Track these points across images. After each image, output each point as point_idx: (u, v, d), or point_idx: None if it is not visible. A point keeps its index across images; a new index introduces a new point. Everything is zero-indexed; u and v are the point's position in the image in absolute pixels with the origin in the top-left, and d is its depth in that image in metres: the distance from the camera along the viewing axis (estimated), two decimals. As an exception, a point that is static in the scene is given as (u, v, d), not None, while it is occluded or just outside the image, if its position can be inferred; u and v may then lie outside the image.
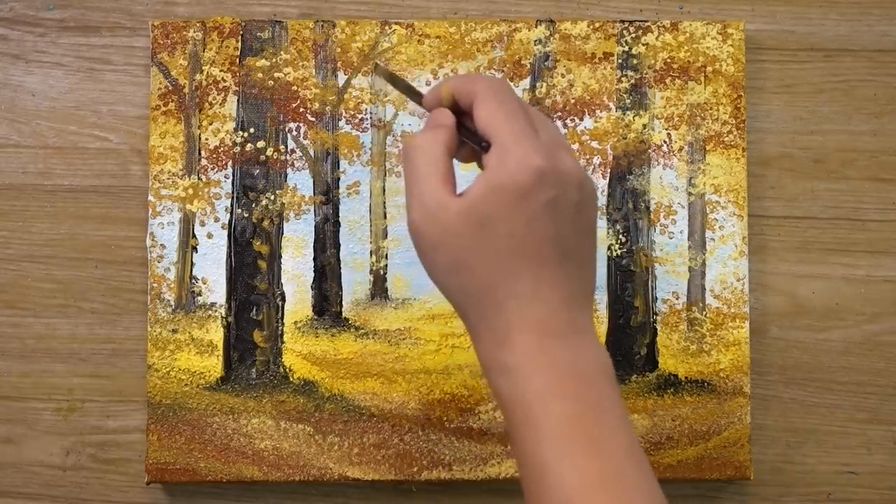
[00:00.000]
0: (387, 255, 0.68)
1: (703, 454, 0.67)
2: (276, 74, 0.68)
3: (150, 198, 0.67)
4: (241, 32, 0.68)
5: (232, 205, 0.68)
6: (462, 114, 0.51)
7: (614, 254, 0.68)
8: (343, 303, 0.67)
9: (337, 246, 0.68)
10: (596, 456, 0.44)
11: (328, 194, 0.68)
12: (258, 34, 0.68)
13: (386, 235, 0.68)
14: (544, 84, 0.68)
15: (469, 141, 0.50)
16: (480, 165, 0.50)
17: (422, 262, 0.49)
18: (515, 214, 0.46)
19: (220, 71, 0.68)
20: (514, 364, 0.46)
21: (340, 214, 0.68)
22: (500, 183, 0.46)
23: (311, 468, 0.66)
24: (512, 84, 0.68)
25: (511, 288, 0.47)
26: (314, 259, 0.68)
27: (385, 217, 0.68)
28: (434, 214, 0.47)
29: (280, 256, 0.68)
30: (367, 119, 0.68)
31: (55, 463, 0.68)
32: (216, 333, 0.67)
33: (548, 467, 0.45)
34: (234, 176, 0.68)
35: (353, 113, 0.68)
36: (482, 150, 0.48)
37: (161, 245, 0.67)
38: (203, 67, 0.68)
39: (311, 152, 0.68)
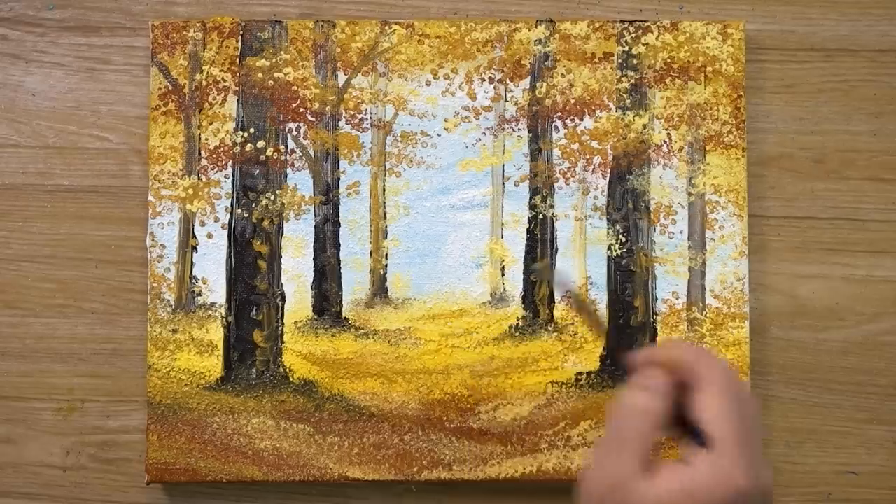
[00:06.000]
0: (387, 255, 0.68)
1: (703, 454, 0.66)
2: (276, 74, 0.68)
3: (150, 198, 0.67)
4: (241, 32, 0.68)
5: (232, 205, 0.68)
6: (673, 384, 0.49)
7: (614, 254, 0.68)
8: (343, 303, 0.67)
9: (337, 246, 0.68)
10: None
11: (328, 194, 0.68)
12: (258, 34, 0.68)
13: (386, 235, 0.68)
14: (544, 84, 0.68)
15: (687, 428, 0.48)
16: (673, 435, 0.49)
17: None
18: None
19: (220, 71, 0.68)
20: None
21: (340, 214, 0.68)
22: (699, 492, 0.46)
23: (311, 468, 0.66)
24: (512, 84, 0.68)
25: None
26: (314, 259, 0.68)
27: (385, 217, 0.68)
28: (621, 493, 0.46)
29: (280, 256, 0.68)
30: (366, 119, 0.68)
31: (55, 463, 0.68)
32: (216, 333, 0.67)
33: None
34: (234, 176, 0.68)
35: (352, 113, 0.68)
36: (699, 445, 0.46)
37: (161, 245, 0.67)
38: (203, 67, 0.68)
39: (311, 152, 0.68)
